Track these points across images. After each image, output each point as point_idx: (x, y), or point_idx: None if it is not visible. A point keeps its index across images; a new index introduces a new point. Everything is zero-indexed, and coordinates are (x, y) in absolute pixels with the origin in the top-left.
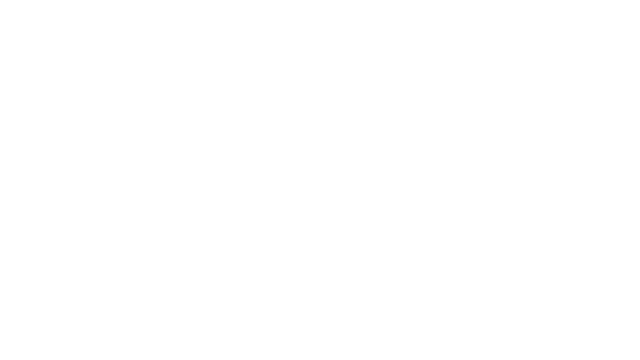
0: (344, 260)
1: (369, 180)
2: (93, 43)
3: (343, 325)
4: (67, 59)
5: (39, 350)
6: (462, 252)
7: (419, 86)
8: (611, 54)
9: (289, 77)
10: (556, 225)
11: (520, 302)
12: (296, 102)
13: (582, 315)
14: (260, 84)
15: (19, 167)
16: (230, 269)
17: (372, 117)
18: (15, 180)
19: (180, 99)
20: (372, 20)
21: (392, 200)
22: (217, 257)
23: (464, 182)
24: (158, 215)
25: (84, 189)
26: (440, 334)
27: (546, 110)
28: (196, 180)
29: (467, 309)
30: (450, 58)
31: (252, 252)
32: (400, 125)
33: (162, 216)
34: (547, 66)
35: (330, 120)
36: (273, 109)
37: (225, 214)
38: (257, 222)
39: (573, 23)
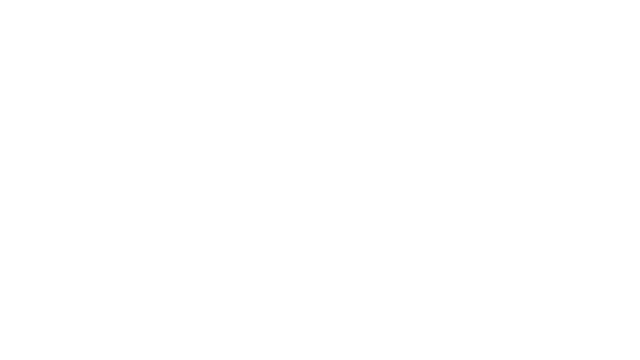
0: (344, 261)
1: (369, 180)
2: (93, 43)
3: (343, 325)
4: (67, 59)
5: (39, 350)
6: (462, 252)
7: (419, 86)
8: (611, 54)
9: (289, 77)
10: (556, 226)
11: (520, 302)
12: (296, 102)
13: (582, 315)
14: (261, 84)
15: (19, 167)
16: (230, 269)
17: (372, 117)
18: (15, 180)
19: (180, 99)
20: (372, 20)
21: (392, 200)
22: (217, 257)
23: (464, 182)
24: (158, 215)
25: (84, 189)
26: (440, 333)
27: (546, 110)
28: (196, 180)
29: (467, 309)
30: (450, 58)
31: (252, 252)
32: (400, 125)
33: (162, 216)
34: (547, 66)
35: (330, 120)
36: (273, 109)
37: (225, 214)
38: (257, 222)
39: (573, 23)
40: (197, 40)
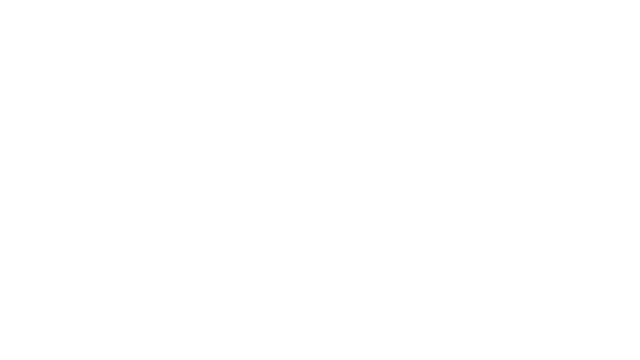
0: (344, 261)
1: (369, 180)
2: (93, 43)
3: (343, 326)
4: (67, 59)
5: (39, 350)
6: (462, 252)
7: (419, 86)
8: (611, 54)
9: (289, 77)
10: (556, 226)
11: (520, 302)
12: (296, 102)
13: (582, 316)
14: (260, 84)
15: (19, 167)
16: (230, 269)
17: (372, 117)
18: (15, 180)
19: (180, 99)
20: (372, 20)
21: (392, 200)
22: (217, 257)
23: (464, 182)
24: (158, 215)
25: (84, 189)
26: (440, 334)
27: (546, 111)
28: (196, 180)
29: (467, 309)
30: (450, 58)
31: (252, 252)
32: (400, 125)
33: (162, 216)
34: (547, 66)
35: (330, 120)
36: (273, 109)
37: (225, 214)
38: (257, 222)
39: (573, 23)
40: (197, 40)
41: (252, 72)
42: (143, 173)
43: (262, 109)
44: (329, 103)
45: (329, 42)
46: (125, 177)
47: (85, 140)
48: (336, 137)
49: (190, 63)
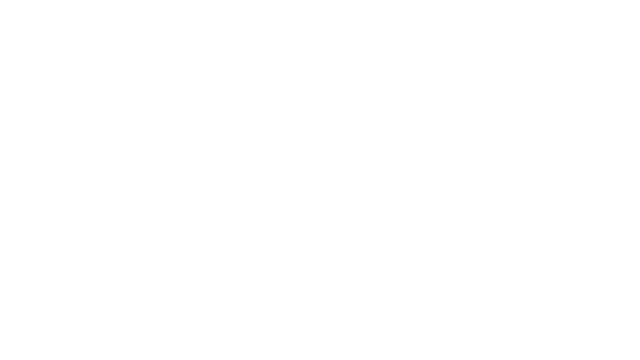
0: (344, 261)
1: (369, 180)
2: (93, 43)
3: (343, 326)
4: (67, 59)
5: (39, 350)
6: (462, 252)
7: (419, 86)
8: (611, 54)
9: (289, 77)
10: (556, 226)
11: (520, 302)
12: (296, 102)
13: (582, 316)
14: (261, 84)
15: (19, 167)
16: (230, 269)
17: (372, 117)
18: (15, 180)
19: (180, 99)
20: (372, 20)
21: (392, 201)
22: (217, 257)
23: (464, 182)
24: (158, 215)
25: (84, 189)
26: (440, 334)
27: (546, 111)
28: (196, 180)
29: (467, 309)
30: (450, 58)
31: (252, 252)
32: (400, 125)
33: (162, 216)
34: (547, 66)
35: (330, 120)
36: (273, 109)
37: (225, 214)
38: (257, 222)
39: (573, 23)
40: (197, 40)
41: (252, 72)
42: (143, 173)
43: (262, 109)
44: (329, 103)
45: (329, 42)
46: (125, 177)
47: (85, 140)
48: (336, 137)
49: (190, 63)
